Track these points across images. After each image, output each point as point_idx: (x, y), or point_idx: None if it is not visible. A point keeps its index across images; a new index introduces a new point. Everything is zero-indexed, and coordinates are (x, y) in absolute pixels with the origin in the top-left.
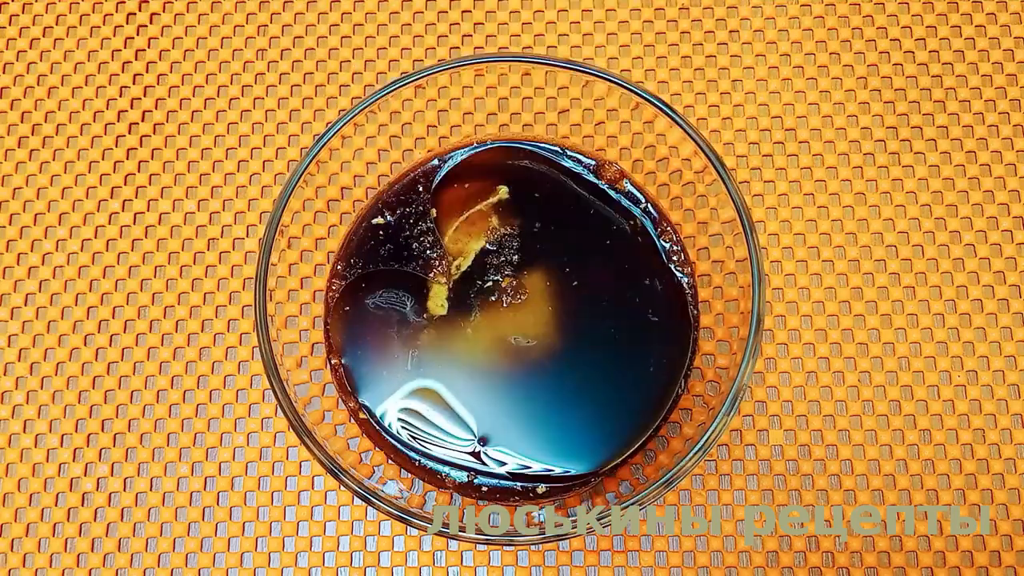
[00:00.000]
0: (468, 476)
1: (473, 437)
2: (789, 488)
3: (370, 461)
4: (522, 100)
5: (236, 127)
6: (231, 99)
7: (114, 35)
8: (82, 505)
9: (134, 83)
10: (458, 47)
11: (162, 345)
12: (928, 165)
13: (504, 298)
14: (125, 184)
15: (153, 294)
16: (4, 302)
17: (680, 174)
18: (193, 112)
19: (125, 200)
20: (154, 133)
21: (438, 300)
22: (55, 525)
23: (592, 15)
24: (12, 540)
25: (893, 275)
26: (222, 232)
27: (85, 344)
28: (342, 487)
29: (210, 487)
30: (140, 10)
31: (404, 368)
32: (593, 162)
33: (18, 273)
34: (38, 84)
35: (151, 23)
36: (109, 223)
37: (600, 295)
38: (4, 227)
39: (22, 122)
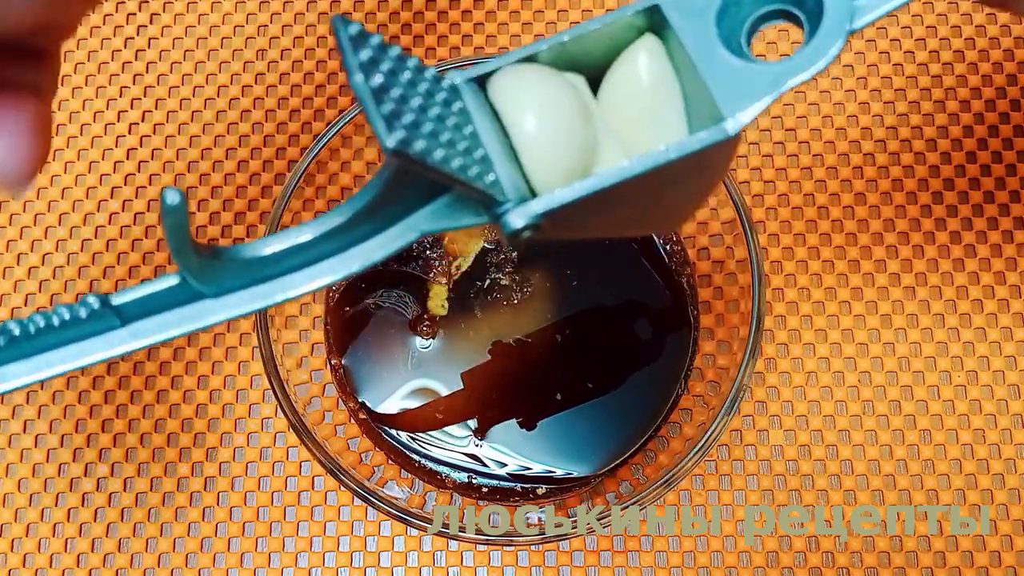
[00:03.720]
0: (468, 477)
1: (471, 435)
2: (789, 488)
3: (370, 461)
4: None
5: (236, 127)
6: (231, 99)
7: (114, 35)
8: (82, 505)
9: (134, 83)
10: (458, 47)
11: (162, 346)
12: (928, 166)
13: (504, 298)
14: (125, 184)
15: None
16: (4, 302)
17: None
18: (193, 112)
19: (125, 200)
20: (154, 133)
21: (438, 300)
22: (55, 525)
23: (592, 15)
24: (12, 540)
25: (893, 275)
26: (222, 232)
27: None
28: (342, 487)
29: (210, 487)
30: (140, 10)
31: (404, 368)
32: None
33: (18, 273)
34: None
35: (151, 23)
36: (109, 223)
37: (600, 295)
38: (4, 227)
39: None
